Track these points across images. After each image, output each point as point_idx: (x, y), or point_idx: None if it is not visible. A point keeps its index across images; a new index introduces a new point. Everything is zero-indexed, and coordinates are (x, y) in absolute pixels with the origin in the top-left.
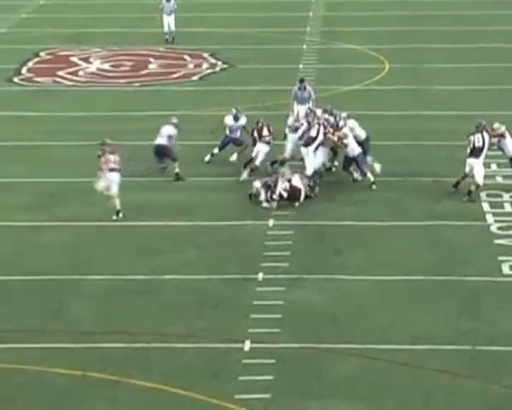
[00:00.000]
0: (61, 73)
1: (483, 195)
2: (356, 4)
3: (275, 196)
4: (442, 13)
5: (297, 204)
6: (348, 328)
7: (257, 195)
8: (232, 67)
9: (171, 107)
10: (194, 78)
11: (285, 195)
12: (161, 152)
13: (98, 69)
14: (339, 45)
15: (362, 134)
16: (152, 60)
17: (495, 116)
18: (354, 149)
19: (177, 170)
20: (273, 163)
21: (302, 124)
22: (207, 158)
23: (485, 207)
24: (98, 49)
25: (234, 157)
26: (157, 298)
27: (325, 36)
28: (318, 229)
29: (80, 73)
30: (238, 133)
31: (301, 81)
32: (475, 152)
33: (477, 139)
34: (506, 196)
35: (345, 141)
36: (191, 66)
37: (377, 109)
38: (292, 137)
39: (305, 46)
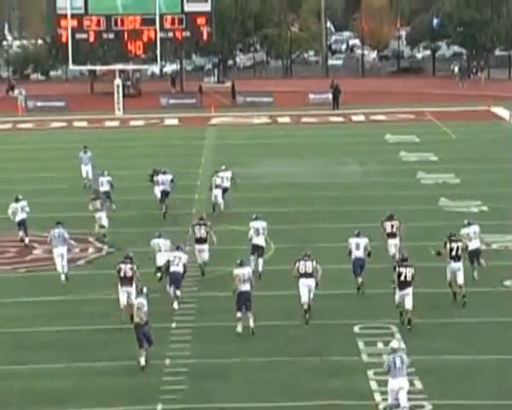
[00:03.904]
0: None
1: (370, 373)
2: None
3: None
4: (327, 193)
5: None
6: None
7: None
8: (119, 251)
9: (59, 292)
10: (81, 262)
11: None
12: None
13: None
14: (223, 227)
15: None
16: (37, 245)
17: None
18: None
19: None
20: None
21: None
22: None
23: (373, 385)
24: None
25: None
26: None
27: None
28: None
29: None
30: None
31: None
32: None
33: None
34: None
35: None
36: (77, 250)
37: (266, 290)
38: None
39: None
